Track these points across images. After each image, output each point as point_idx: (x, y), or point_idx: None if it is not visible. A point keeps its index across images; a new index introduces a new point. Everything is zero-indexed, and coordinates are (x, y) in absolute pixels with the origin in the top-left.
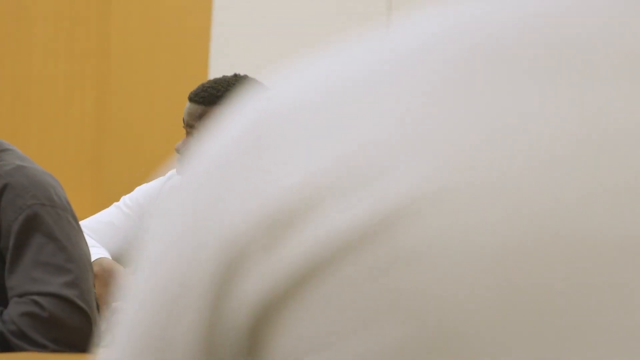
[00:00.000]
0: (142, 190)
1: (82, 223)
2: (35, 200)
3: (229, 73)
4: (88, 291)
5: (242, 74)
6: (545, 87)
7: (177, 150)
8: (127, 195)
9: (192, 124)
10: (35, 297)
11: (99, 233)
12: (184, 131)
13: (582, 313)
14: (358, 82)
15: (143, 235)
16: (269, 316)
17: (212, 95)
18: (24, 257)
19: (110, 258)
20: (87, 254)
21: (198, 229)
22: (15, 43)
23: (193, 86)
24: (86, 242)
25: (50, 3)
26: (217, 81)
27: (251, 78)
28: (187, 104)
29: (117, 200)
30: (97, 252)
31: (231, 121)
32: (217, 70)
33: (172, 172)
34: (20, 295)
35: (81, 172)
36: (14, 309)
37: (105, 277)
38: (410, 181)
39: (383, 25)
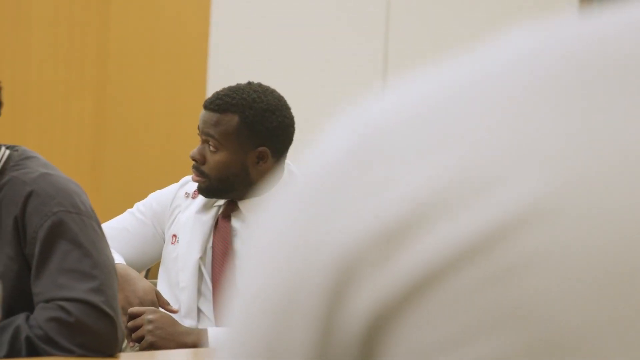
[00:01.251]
0: (155, 197)
1: None
2: (60, 207)
3: (228, 78)
4: (113, 297)
5: (256, 82)
6: None
7: (193, 158)
8: (141, 202)
9: (207, 132)
10: (62, 303)
11: (112, 239)
12: (182, 136)
13: None
14: (468, 94)
15: (245, 249)
16: (383, 327)
17: (226, 103)
18: (49, 264)
19: (125, 264)
20: (112, 261)
21: (308, 243)
22: (14, 48)
23: (191, 91)
24: (110, 249)
25: (49, 8)
26: (231, 89)
27: (265, 86)
28: (202, 111)
29: (116, 205)
30: None
31: (334, 136)
32: (216, 75)
33: (185, 179)
34: (47, 301)
35: (80, 177)
36: (41, 314)
37: (120, 282)
38: (526, 191)
39: (382, 26)
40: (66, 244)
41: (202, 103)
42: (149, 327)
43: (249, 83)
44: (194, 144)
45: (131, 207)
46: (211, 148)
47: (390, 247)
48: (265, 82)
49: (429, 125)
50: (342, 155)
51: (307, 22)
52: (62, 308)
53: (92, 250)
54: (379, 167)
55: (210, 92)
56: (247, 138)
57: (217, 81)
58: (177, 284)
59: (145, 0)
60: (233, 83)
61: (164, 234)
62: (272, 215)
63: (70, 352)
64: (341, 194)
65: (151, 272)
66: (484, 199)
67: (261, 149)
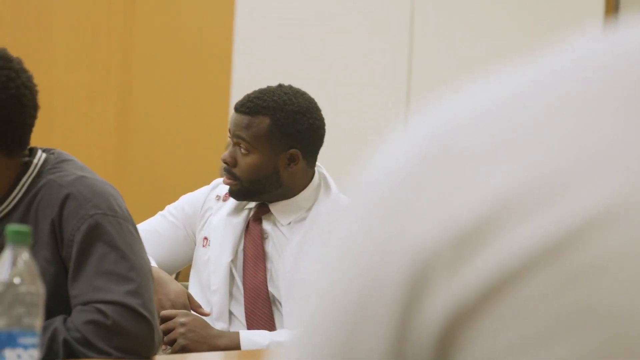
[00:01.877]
0: (187, 199)
1: None
2: (97, 210)
3: (252, 81)
4: (150, 300)
5: (286, 84)
6: None
7: (224, 161)
8: (172, 204)
9: (238, 134)
10: (99, 305)
11: (143, 241)
12: (205, 139)
13: None
14: (541, 98)
15: (312, 250)
16: (459, 328)
17: (257, 106)
18: (86, 266)
19: (157, 266)
20: (148, 264)
21: (383, 243)
22: (38, 52)
23: (215, 95)
24: (146, 252)
25: (72, 14)
26: (262, 91)
27: (295, 88)
28: (233, 114)
29: (139, 208)
30: None
31: (409, 137)
32: (240, 78)
33: (216, 182)
34: (84, 304)
35: None
36: (78, 317)
37: None
38: (601, 194)
39: (405, 32)
40: (103, 247)
41: (226, 106)
42: (182, 330)
43: (280, 85)
44: (218, 147)
45: (154, 210)
46: (242, 150)
47: (465, 249)
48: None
49: (503, 128)
50: (417, 157)
51: (332, 26)
52: (100, 311)
53: (129, 252)
54: (454, 169)
55: (234, 96)
56: (278, 140)
57: (241, 85)
58: (209, 286)
59: (169, 4)
60: (257, 86)
61: (195, 237)
62: (345, 216)
63: (107, 355)
64: (416, 194)
65: (180, 275)
66: (559, 201)
67: (292, 151)
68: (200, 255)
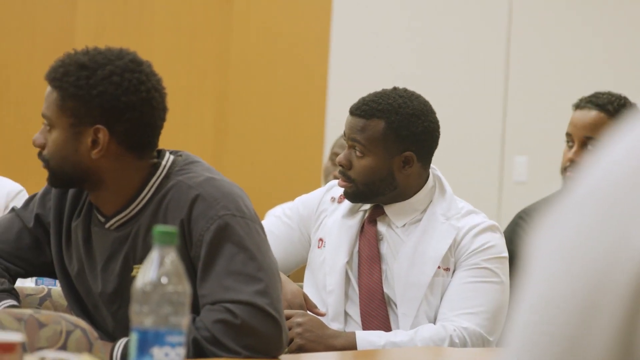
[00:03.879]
0: (302, 200)
1: None
2: (226, 211)
3: (348, 85)
4: (278, 299)
5: (401, 87)
6: None
7: (339, 164)
8: (287, 205)
9: (353, 137)
10: (228, 305)
11: None
12: (302, 142)
13: None
14: None
15: (529, 245)
16: None
17: (372, 109)
18: (215, 266)
19: None
20: (276, 264)
21: (611, 244)
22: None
23: (311, 99)
24: (272, 253)
25: (170, 15)
26: (377, 94)
27: (410, 91)
28: (348, 117)
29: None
30: None
31: (633, 140)
32: (336, 83)
33: (331, 184)
34: (213, 303)
35: None
36: (207, 316)
37: None
38: None
39: (504, 29)
40: (232, 247)
41: (322, 109)
42: (298, 329)
43: (395, 88)
44: (314, 151)
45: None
46: (357, 153)
47: None
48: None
49: None
50: None
51: (426, 28)
52: (229, 310)
53: (257, 253)
54: None
55: (330, 99)
56: (393, 143)
57: (337, 88)
58: (324, 287)
59: (266, 8)
60: (353, 90)
61: (309, 238)
62: (567, 218)
63: (236, 354)
64: None
65: (292, 276)
66: None
67: (407, 153)
68: (316, 256)
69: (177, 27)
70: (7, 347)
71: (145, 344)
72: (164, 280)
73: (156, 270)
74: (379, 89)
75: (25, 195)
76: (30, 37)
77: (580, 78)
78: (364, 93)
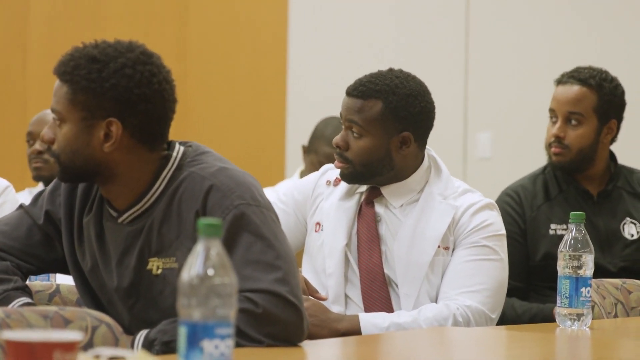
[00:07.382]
0: (296, 186)
1: None
2: (241, 200)
3: (307, 68)
4: (297, 286)
5: (396, 68)
6: None
7: (336, 145)
8: (281, 191)
9: (350, 118)
10: (249, 294)
11: None
12: (263, 131)
13: None
14: None
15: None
16: None
17: (370, 89)
18: (233, 256)
19: None
20: (292, 251)
21: None
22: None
23: (271, 83)
24: (288, 240)
25: (125, 5)
26: (373, 75)
27: (406, 72)
28: (345, 98)
29: None
30: None
31: None
32: (296, 66)
33: (326, 167)
34: None
35: None
36: None
37: None
38: None
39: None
40: (249, 236)
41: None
42: None
43: (390, 69)
44: (276, 135)
45: None
46: (355, 134)
47: None
48: (343, 82)
49: None
50: None
51: (384, 3)
52: (249, 299)
53: (274, 241)
54: None
55: (290, 82)
56: (392, 123)
57: (296, 71)
58: (324, 270)
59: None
60: (312, 73)
61: (306, 223)
62: None
63: (259, 343)
64: None
65: None
66: None
67: (404, 134)
68: (313, 240)
69: (132, 13)
70: (68, 347)
71: (194, 338)
72: (210, 272)
73: (202, 263)
74: (338, 71)
75: (12, 191)
76: None
77: (542, 52)
78: (323, 76)
